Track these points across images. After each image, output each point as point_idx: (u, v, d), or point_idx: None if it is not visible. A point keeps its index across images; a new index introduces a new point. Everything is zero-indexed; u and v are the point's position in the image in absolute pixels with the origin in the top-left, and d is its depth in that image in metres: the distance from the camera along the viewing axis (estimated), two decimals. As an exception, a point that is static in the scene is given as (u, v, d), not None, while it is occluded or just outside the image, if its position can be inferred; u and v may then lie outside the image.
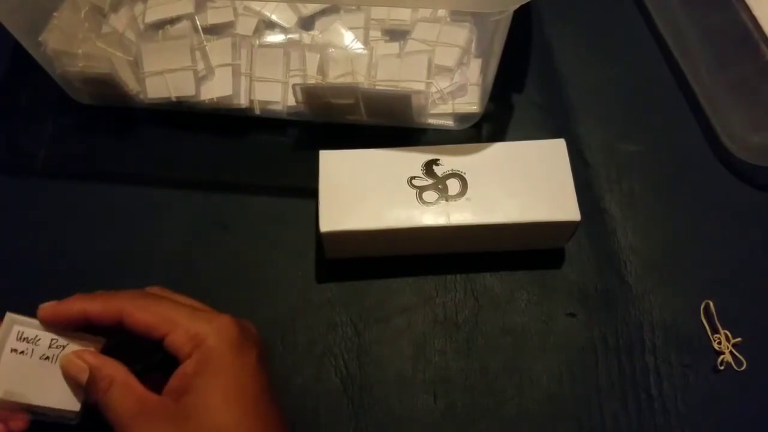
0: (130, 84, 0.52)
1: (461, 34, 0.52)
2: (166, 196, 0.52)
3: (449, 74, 0.52)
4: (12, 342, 0.35)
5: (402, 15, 0.53)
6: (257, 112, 0.53)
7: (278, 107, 0.53)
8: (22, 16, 0.49)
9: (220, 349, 0.34)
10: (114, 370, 0.34)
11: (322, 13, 0.54)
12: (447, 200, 0.45)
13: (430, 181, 0.46)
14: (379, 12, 0.54)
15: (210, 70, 0.52)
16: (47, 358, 0.35)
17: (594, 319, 0.47)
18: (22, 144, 0.54)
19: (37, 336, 0.35)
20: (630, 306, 0.48)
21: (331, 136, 0.53)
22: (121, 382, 0.34)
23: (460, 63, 0.52)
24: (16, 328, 0.35)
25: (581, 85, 0.57)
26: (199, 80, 0.51)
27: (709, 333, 0.46)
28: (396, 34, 0.54)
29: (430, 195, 0.45)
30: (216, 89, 0.51)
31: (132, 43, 0.53)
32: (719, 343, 0.46)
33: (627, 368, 0.45)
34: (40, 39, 0.50)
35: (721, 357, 0.45)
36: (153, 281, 0.48)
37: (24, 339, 0.35)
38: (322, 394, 0.44)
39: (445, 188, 0.45)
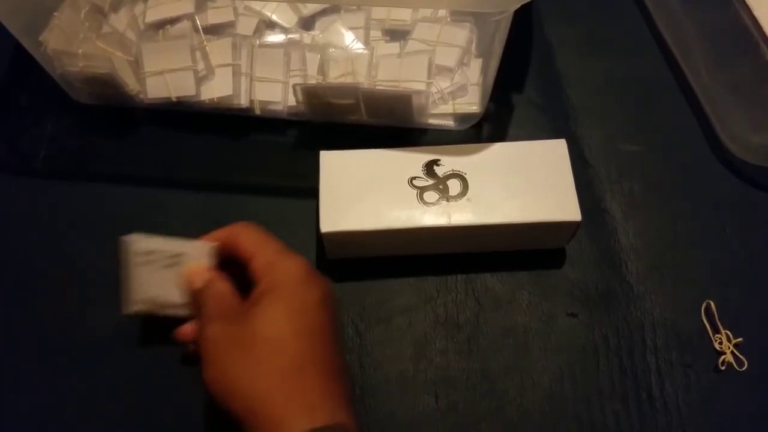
0: (131, 84, 0.52)
1: (461, 34, 0.52)
2: (166, 196, 0.52)
3: (450, 74, 0.52)
4: (135, 259, 0.40)
5: (402, 15, 0.54)
6: (257, 112, 0.53)
7: (278, 107, 0.52)
8: (22, 16, 0.49)
9: (287, 280, 0.38)
10: (219, 280, 0.40)
11: (323, 13, 0.54)
12: (448, 200, 0.45)
13: (430, 182, 0.46)
14: (379, 12, 0.54)
15: (210, 70, 0.52)
16: (169, 266, 0.41)
17: (595, 319, 0.47)
18: (22, 144, 0.54)
19: (153, 250, 0.41)
20: (631, 306, 0.48)
21: (331, 136, 0.53)
22: (220, 286, 0.40)
23: (461, 63, 0.52)
24: (134, 247, 0.40)
25: (581, 85, 0.57)
26: (200, 80, 0.51)
27: (710, 333, 0.46)
28: (396, 34, 0.54)
29: (430, 195, 0.45)
30: (216, 89, 0.51)
31: (132, 43, 0.53)
32: (720, 343, 0.46)
33: (628, 368, 0.45)
34: (40, 39, 0.50)
35: (722, 357, 0.45)
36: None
37: (144, 253, 0.41)
38: (322, 395, 0.44)
39: (446, 188, 0.45)
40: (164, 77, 0.51)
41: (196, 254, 0.41)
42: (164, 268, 0.41)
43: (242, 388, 0.35)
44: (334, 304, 0.40)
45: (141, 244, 0.41)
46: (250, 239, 0.41)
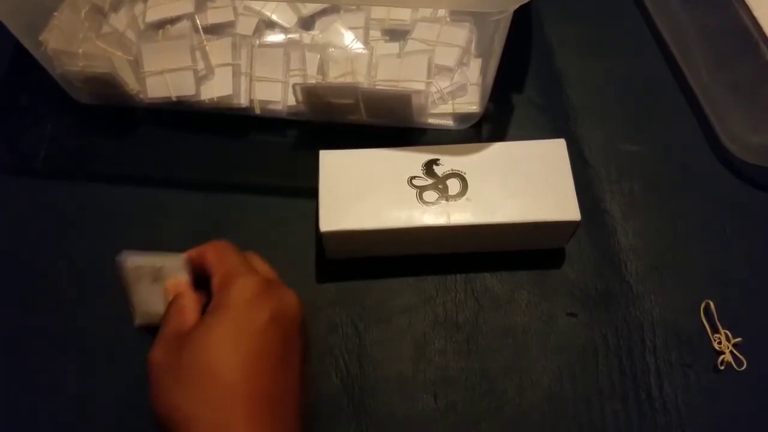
0: (131, 83, 0.52)
1: (461, 34, 0.52)
2: (166, 196, 0.52)
3: (449, 74, 0.52)
4: (130, 275, 0.41)
5: (402, 15, 0.54)
6: (257, 111, 0.53)
7: (278, 107, 0.53)
8: (22, 16, 0.49)
9: (233, 301, 0.37)
10: (185, 296, 0.40)
11: (322, 12, 0.54)
12: (447, 200, 0.45)
13: (430, 181, 0.46)
14: (379, 12, 0.54)
15: (210, 70, 0.52)
16: (155, 280, 0.41)
17: (594, 319, 0.47)
18: (22, 144, 0.54)
19: (141, 265, 0.41)
20: (630, 306, 0.48)
21: (331, 136, 0.53)
22: (184, 302, 0.39)
23: (460, 63, 0.52)
24: (126, 264, 0.41)
25: (581, 85, 0.57)
26: (199, 80, 0.51)
27: (710, 333, 0.46)
28: (396, 33, 0.54)
29: (430, 195, 0.45)
30: (216, 89, 0.51)
31: (132, 42, 0.53)
32: (719, 342, 0.46)
33: (627, 368, 0.45)
34: (40, 39, 0.50)
35: (722, 357, 0.45)
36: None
37: (135, 269, 0.41)
38: (322, 394, 0.44)
39: (446, 188, 0.45)
40: (164, 77, 0.51)
41: (173, 267, 0.41)
42: (152, 283, 0.41)
43: (175, 412, 0.35)
44: (290, 324, 0.38)
45: (130, 260, 0.41)
46: (212, 258, 0.40)
